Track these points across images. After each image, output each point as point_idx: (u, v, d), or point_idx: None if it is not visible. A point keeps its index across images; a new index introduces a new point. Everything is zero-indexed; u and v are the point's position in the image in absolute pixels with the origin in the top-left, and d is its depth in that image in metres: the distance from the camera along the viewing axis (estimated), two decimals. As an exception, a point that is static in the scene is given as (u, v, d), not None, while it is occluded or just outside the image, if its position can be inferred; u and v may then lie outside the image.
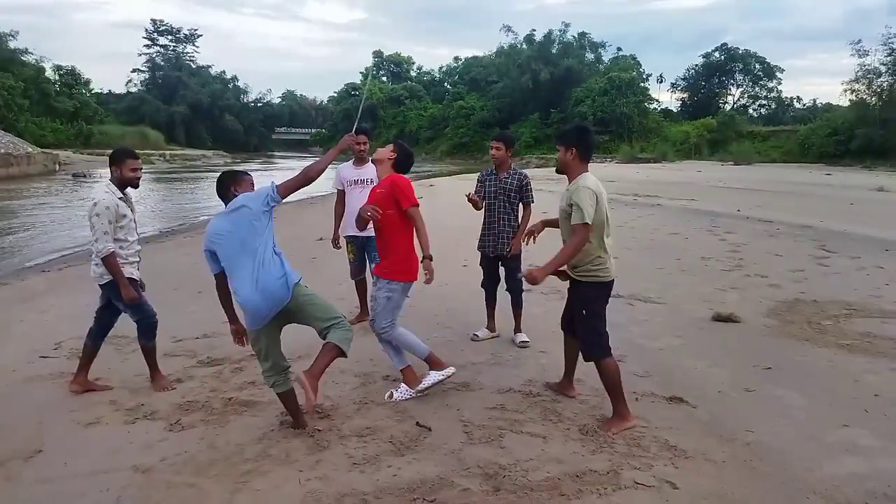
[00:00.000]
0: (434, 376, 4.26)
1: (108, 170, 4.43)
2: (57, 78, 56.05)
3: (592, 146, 4.09)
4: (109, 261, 4.17)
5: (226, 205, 3.76)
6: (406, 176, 4.47)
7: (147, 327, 4.44)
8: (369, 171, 5.61)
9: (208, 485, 3.15)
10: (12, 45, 52.24)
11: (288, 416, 3.84)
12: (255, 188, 3.85)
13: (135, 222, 4.46)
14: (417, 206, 4.25)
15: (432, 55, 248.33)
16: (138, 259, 4.49)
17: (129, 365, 4.88)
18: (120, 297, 4.27)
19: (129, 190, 4.44)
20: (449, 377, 4.31)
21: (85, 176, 32.09)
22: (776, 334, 5.73)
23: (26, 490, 3.19)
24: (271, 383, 3.71)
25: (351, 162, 5.96)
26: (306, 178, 3.74)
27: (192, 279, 7.58)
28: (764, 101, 68.85)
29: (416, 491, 3.07)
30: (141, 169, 4.47)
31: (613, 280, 4.00)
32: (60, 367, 4.95)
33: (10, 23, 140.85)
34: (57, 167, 36.13)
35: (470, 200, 5.52)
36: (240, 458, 3.42)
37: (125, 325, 4.68)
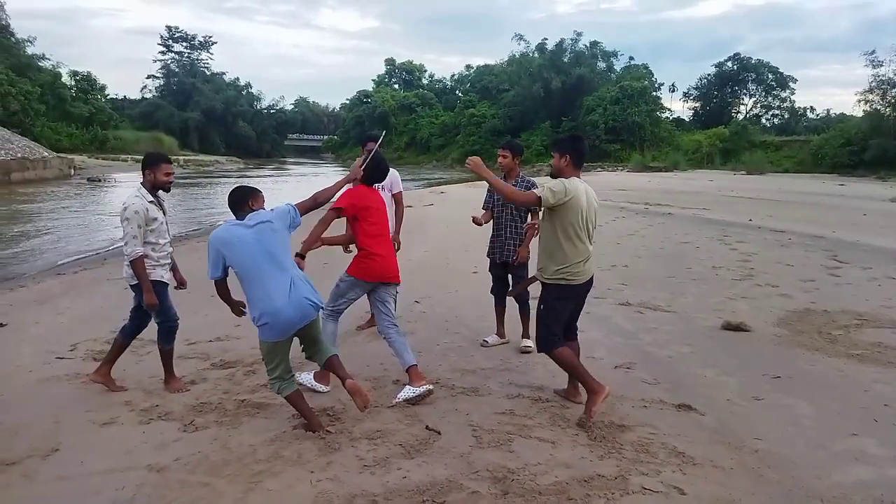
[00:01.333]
0: (309, 381, 4.44)
1: (141, 173, 4.51)
2: (73, 83, 56.58)
3: (585, 154, 4.27)
4: (137, 265, 4.26)
5: (236, 217, 3.91)
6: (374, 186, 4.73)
7: (168, 330, 4.52)
8: None
9: (222, 484, 3.20)
10: (29, 50, 52.91)
11: (300, 418, 3.90)
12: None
13: (166, 225, 4.54)
14: (334, 209, 4.42)
15: (444, 63, 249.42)
16: (170, 261, 4.57)
17: (144, 367, 4.95)
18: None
19: (160, 193, 4.52)
20: (320, 391, 4.43)
21: (100, 180, 32.45)
22: (786, 344, 5.73)
23: (44, 487, 3.26)
24: (278, 388, 3.80)
25: None
26: (315, 203, 4.15)
27: (205, 283, 7.55)
28: (777, 111, 68.49)
29: (426, 493, 3.11)
30: (174, 173, 4.58)
31: (584, 283, 4.22)
32: (76, 367, 5.04)
33: (28, 29, 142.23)
34: (72, 171, 36.49)
35: (475, 222, 5.61)
36: (252, 458, 3.48)
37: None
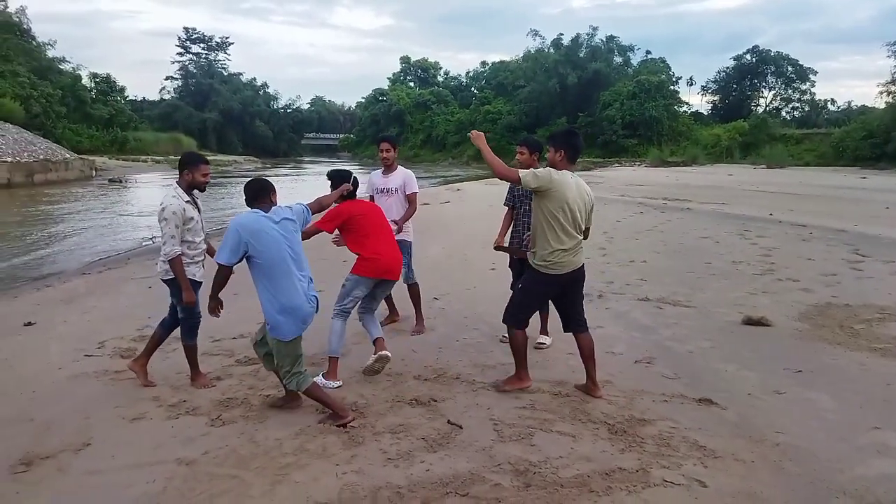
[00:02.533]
0: (321, 379, 4.51)
1: (178, 173, 4.61)
2: (93, 85, 57.33)
3: (579, 150, 4.42)
4: (175, 263, 4.37)
5: (253, 208, 3.98)
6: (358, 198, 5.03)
7: (191, 326, 4.61)
8: (394, 180, 5.82)
9: (250, 477, 3.28)
10: (50, 53, 53.66)
11: (324, 411, 3.98)
12: None
13: (201, 223, 4.64)
14: (316, 228, 4.72)
15: (459, 60, 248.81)
16: (203, 258, 4.67)
17: (171, 363, 5.06)
18: (175, 295, 4.49)
19: (195, 192, 4.62)
20: (331, 388, 4.46)
21: (121, 181, 32.89)
22: (807, 338, 5.71)
23: (77, 481, 3.35)
24: (297, 384, 3.89)
25: (381, 170, 6.02)
26: (319, 207, 4.40)
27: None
28: (797, 104, 67.69)
29: (449, 485, 3.16)
30: (210, 173, 4.69)
31: (567, 273, 4.30)
32: (104, 365, 5.15)
33: (48, 32, 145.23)
34: (94, 173, 37.02)
35: (498, 248, 5.66)
36: (279, 451, 3.56)
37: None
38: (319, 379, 4.50)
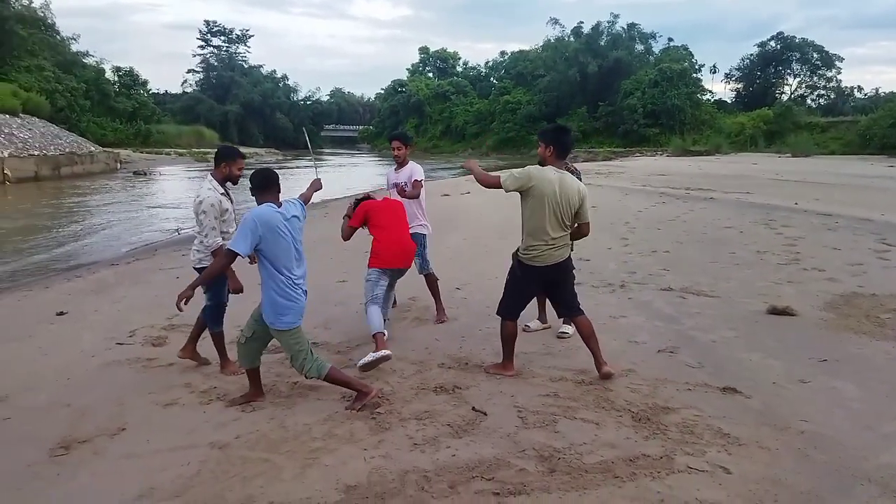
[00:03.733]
0: (371, 355, 4.67)
1: (214, 164, 4.75)
2: (116, 79, 58.00)
3: (568, 146, 4.59)
4: (218, 254, 4.47)
5: (260, 199, 4.02)
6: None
7: (216, 314, 4.77)
8: (403, 175, 6.00)
9: (281, 460, 3.37)
10: (74, 48, 54.38)
11: (349, 397, 4.06)
12: None
13: (234, 214, 4.77)
14: (351, 226, 5.39)
15: (478, 50, 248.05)
16: None
17: (201, 351, 5.16)
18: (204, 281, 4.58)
19: (228, 184, 4.77)
20: (381, 358, 4.66)
21: (145, 174, 33.36)
22: (833, 327, 5.67)
23: (113, 464, 3.46)
24: (317, 369, 3.97)
25: (395, 166, 6.21)
26: (306, 201, 4.54)
27: (250, 272, 7.87)
28: (822, 91, 66.48)
29: (475, 470, 3.22)
30: (244, 167, 4.83)
31: (549, 266, 4.45)
32: (136, 353, 5.29)
33: (72, 26, 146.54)
34: (118, 165, 37.61)
35: None
36: (308, 436, 3.64)
37: (196, 314, 4.95)
38: (370, 356, 4.65)
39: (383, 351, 4.67)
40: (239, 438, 3.64)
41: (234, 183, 4.76)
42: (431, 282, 6.16)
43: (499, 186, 4.44)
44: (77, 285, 8.38)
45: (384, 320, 5.14)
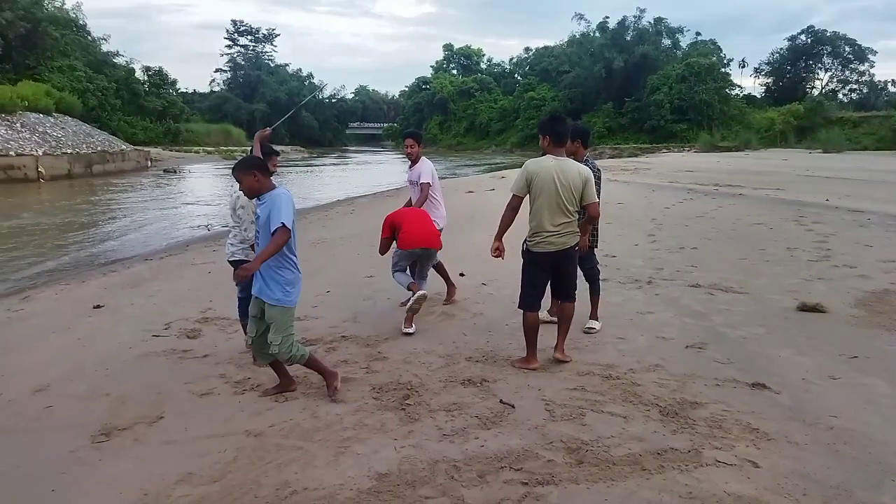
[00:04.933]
0: (410, 298, 5.55)
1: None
2: (146, 78, 58.85)
3: (563, 134, 4.69)
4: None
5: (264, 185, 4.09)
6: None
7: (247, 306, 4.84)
8: (414, 173, 6.37)
9: (314, 448, 3.46)
10: (104, 48, 55.39)
11: (378, 392, 4.15)
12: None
13: None
14: (385, 238, 5.89)
15: (502, 46, 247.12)
16: None
17: (233, 343, 5.30)
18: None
19: None
20: (419, 297, 5.51)
21: (175, 171, 33.91)
22: (864, 324, 5.60)
23: (153, 450, 3.58)
24: (301, 352, 4.13)
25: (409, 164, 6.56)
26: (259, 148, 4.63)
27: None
28: (854, 86, 65.14)
29: (503, 460, 3.28)
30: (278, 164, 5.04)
31: (554, 252, 4.60)
32: (171, 344, 5.42)
33: (103, 27, 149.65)
34: (149, 163, 38.32)
35: None
36: (340, 426, 3.73)
37: (228, 307, 5.07)
38: (410, 299, 5.52)
39: (420, 291, 5.48)
40: (273, 427, 3.74)
41: None
42: (438, 266, 6.49)
43: (517, 200, 4.63)
44: (112, 280, 8.59)
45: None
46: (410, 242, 5.74)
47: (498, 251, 4.78)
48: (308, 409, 3.99)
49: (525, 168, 4.60)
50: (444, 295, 6.66)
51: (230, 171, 4.42)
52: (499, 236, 4.78)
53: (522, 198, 4.60)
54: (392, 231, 5.85)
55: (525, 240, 4.73)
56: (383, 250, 5.94)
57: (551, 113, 5.13)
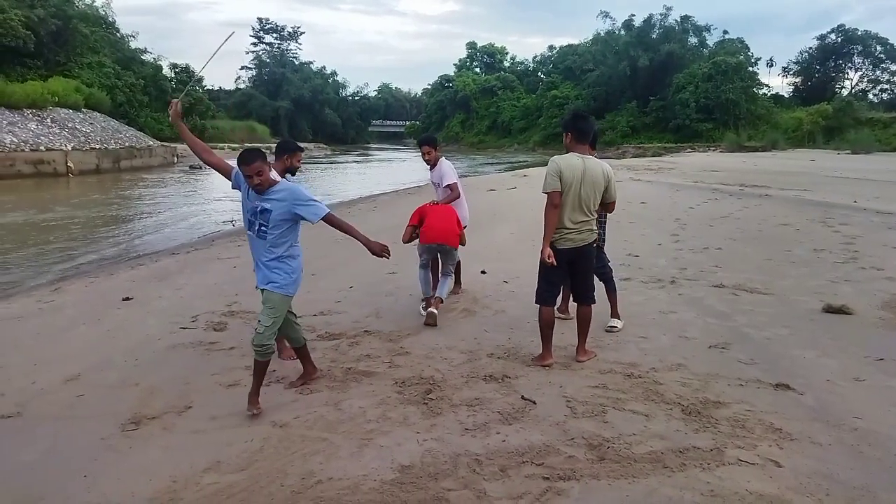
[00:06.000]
0: (422, 312, 5.98)
1: (276, 157, 4.97)
2: (173, 75, 59.53)
3: (585, 131, 4.69)
4: None
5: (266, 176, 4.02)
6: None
7: None
8: (436, 174, 6.55)
9: (338, 439, 3.52)
10: (133, 45, 56.06)
11: (401, 386, 4.22)
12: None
13: None
14: (412, 225, 6.13)
15: (526, 45, 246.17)
16: None
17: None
18: None
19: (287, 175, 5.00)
20: (427, 316, 5.79)
21: (200, 168, 34.24)
22: (891, 327, 5.53)
23: (182, 438, 3.67)
24: (273, 347, 4.04)
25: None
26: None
27: (305, 262, 8.15)
28: (885, 86, 63.80)
29: (525, 455, 3.31)
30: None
31: (572, 249, 4.62)
32: (199, 336, 5.53)
33: (131, 24, 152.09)
34: (175, 159, 38.85)
35: None
36: (363, 419, 3.79)
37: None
38: (422, 311, 5.85)
39: (430, 310, 5.79)
40: (298, 418, 3.81)
41: (293, 174, 5.03)
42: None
43: (557, 197, 4.51)
44: (140, 273, 8.76)
45: (447, 292, 6.15)
46: (428, 237, 6.00)
47: (551, 257, 4.57)
48: (332, 402, 4.05)
49: (554, 164, 4.58)
50: (461, 294, 6.79)
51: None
52: (547, 240, 4.60)
53: (560, 193, 4.52)
54: (419, 220, 6.09)
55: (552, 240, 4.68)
56: (405, 238, 6.10)
57: (575, 111, 5.13)
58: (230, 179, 4.26)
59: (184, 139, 4.46)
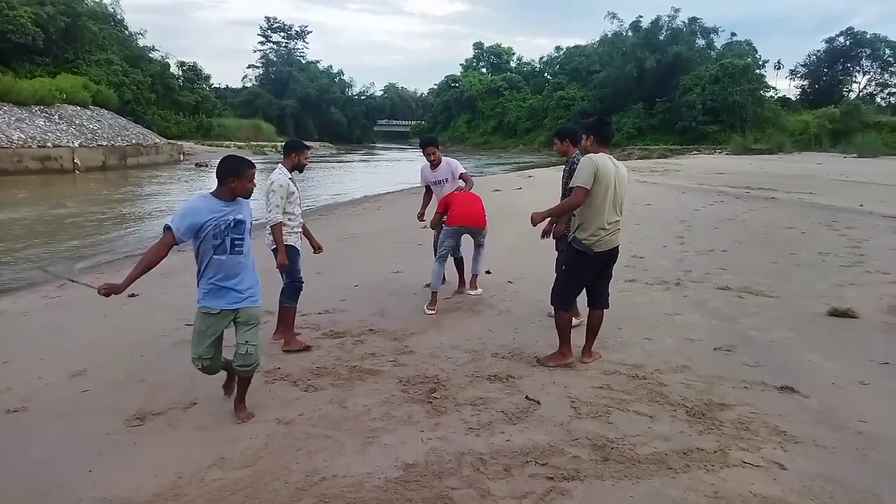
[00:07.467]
0: (426, 310, 6.14)
1: (284, 155, 5.19)
2: (180, 73, 59.71)
3: (607, 135, 4.66)
4: (276, 230, 4.96)
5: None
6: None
7: (293, 289, 5.17)
8: (442, 172, 6.76)
9: (342, 437, 3.54)
10: (141, 42, 56.23)
11: (405, 384, 4.23)
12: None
13: (299, 199, 5.18)
14: (439, 212, 6.50)
15: (533, 45, 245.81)
16: (300, 230, 5.25)
17: (263, 334, 5.35)
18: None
19: (294, 172, 5.20)
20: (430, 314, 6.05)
21: (206, 165, 34.40)
22: (896, 331, 5.52)
23: (187, 435, 3.69)
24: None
25: (429, 165, 6.82)
26: None
27: (310, 260, 8.13)
28: (894, 90, 63.53)
29: (529, 455, 3.31)
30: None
31: (604, 252, 4.54)
32: (204, 333, 5.54)
33: (139, 22, 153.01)
34: (181, 157, 38.96)
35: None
36: (367, 417, 3.80)
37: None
38: (426, 309, 6.07)
39: (432, 309, 6.08)
40: (302, 416, 3.83)
41: (301, 171, 5.22)
42: (458, 262, 6.94)
43: (582, 194, 4.37)
44: (146, 270, 8.76)
45: (474, 274, 6.76)
46: (457, 220, 6.29)
47: (543, 232, 4.73)
48: (336, 400, 4.07)
49: (591, 161, 4.39)
50: (464, 294, 6.80)
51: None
52: (550, 214, 4.66)
53: (588, 187, 4.35)
54: (445, 208, 6.39)
55: (575, 240, 4.55)
56: (433, 223, 6.56)
57: (598, 116, 5.04)
58: (176, 245, 3.88)
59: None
